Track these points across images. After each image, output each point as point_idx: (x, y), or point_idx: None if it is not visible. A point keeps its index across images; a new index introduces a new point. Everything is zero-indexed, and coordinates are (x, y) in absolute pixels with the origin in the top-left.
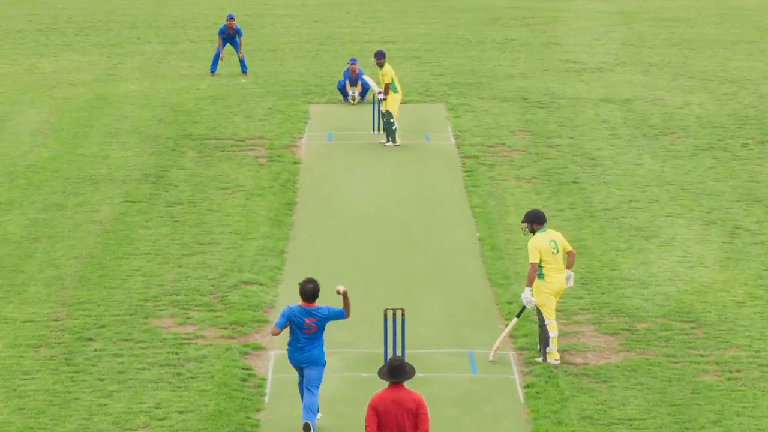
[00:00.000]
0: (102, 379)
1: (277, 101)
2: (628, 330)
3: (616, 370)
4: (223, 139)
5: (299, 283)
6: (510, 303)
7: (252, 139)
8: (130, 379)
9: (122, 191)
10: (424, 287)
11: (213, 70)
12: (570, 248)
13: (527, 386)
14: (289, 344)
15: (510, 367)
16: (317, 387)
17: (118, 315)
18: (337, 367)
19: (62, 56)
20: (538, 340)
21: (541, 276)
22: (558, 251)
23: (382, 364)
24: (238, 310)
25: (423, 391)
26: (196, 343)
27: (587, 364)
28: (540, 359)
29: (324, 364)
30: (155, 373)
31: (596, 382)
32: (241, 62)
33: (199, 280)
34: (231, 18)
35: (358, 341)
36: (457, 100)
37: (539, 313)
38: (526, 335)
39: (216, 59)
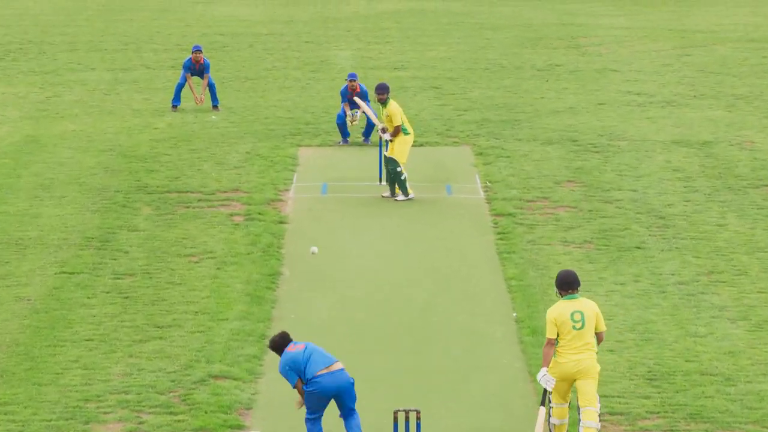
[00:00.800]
0: None
1: (258, 143)
2: None
3: None
4: (187, 192)
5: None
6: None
7: (225, 192)
8: None
9: (57, 259)
10: (445, 385)
11: (175, 104)
12: (603, 328)
13: None
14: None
15: None
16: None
17: (51, 420)
18: None
19: None
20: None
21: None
22: (583, 326)
23: None
24: (206, 413)
25: None
26: None
27: None
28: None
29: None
30: None
31: None
32: (212, 92)
33: (156, 374)
34: (197, 50)
35: None
36: (487, 141)
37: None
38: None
39: (179, 90)
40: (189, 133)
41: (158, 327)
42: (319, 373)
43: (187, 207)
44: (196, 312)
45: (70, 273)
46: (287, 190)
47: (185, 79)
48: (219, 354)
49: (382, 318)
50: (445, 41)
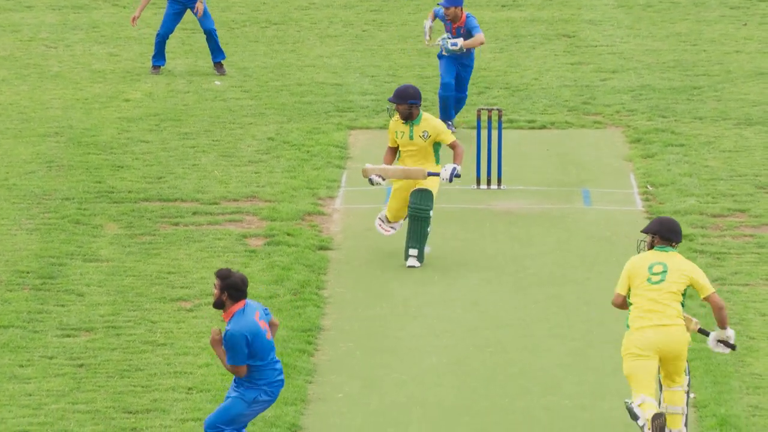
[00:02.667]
0: None
1: (286, 125)
2: None
3: None
4: (176, 200)
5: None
6: None
7: (235, 200)
8: None
9: None
10: None
11: (158, 64)
12: (710, 291)
13: None
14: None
15: None
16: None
17: None
18: None
19: None
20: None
21: (626, 323)
22: (663, 280)
23: None
24: None
25: None
26: None
27: None
28: None
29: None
30: None
31: None
32: (211, 43)
33: None
34: None
35: None
36: (648, 121)
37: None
38: None
39: (162, 44)
40: (179, 109)
41: (130, 412)
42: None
43: (176, 224)
44: (190, 389)
45: None
46: (332, 197)
47: (171, 28)
48: None
49: (471, 402)
50: None
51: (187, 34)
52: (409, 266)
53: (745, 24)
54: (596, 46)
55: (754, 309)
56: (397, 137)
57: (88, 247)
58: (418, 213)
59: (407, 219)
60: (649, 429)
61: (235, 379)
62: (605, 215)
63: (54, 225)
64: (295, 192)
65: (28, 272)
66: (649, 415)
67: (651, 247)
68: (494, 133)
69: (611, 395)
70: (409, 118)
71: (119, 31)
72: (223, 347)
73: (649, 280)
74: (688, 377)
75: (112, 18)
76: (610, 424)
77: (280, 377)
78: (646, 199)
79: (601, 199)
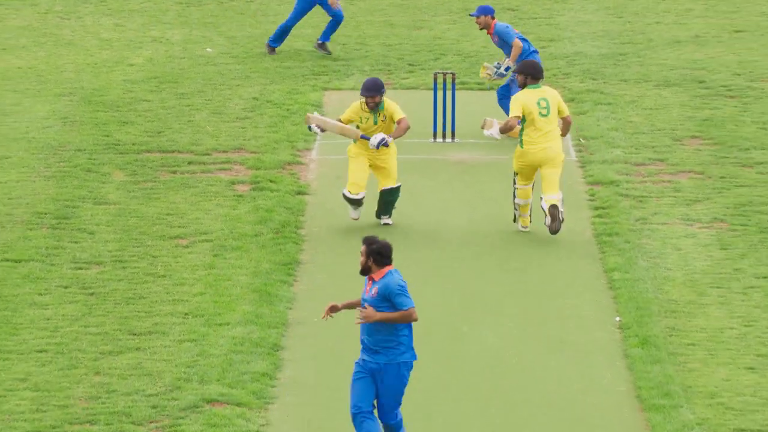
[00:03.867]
0: None
1: (269, 86)
2: None
3: None
4: (174, 151)
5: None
6: None
7: (225, 151)
8: None
9: None
10: (528, 412)
11: (274, 45)
12: (567, 113)
13: None
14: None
15: None
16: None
17: None
18: None
19: None
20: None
21: (520, 142)
22: (548, 113)
23: None
24: None
25: None
26: None
27: None
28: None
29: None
30: None
31: None
32: (336, 23)
33: (132, 398)
34: None
35: None
36: (581, 83)
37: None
38: None
39: (287, 29)
40: (176, 72)
41: (134, 334)
42: None
43: (174, 172)
44: (186, 314)
45: (16, 261)
46: (309, 149)
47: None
48: (217, 371)
49: (433, 325)
50: None
51: (183, 7)
52: (385, 223)
53: None
54: (536, 18)
55: (670, 244)
56: (361, 122)
57: (97, 192)
58: (391, 201)
59: (379, 197)
60: (547, 215)
61: (380, 350)
62: None
63: (68, 173)
64: (276, 144)
65: (45, 213)
66: (547, 204)
67: (524, 85)
68: (448, 94)
69: (552, 319)
70: (376, 107)
71: (124, 5)
72: (382, 312)
73: (540, 113)
74: (561, 193)
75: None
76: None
77: None
78: (579, 150)
79: None
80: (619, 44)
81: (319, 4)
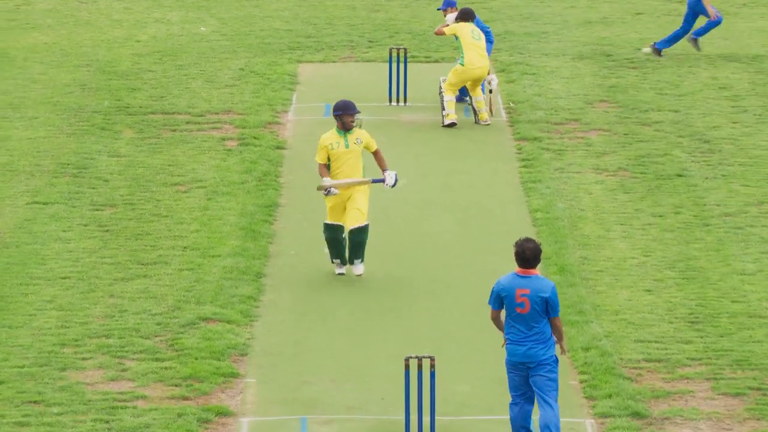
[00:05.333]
0: None
1: (252, 59)
2: (758, 389)
3: None
4: (174, 113)
5: (515, 244)
6: (587, 350)
7: (216, 113)
8: None
9: (29, 188)
10: (462, 328)
11: (659, 47)
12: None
13: None
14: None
15: None
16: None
17: (23, 366)
18: None
19: None
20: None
21: (461, 61)
22: (480, 38)
23: None
24: (196, 359)
25: None
26: (134, 407)
27: None
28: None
29: (555, 362)
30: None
31: None
32: (711, 24)
33: (140, 316)
34: None
35: (366, 404)
36: (510, 57)
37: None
38: (609, 395)
39: (678, 37)
40: (175, 48)
41: (142, 264)
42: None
43: (174, 130)
44: (185, 247)
45: (44, 203)
46: (286, 111)
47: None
48: (210, 294)
49: (394, 257)
50: None
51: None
52: (358, 274)
53: None
54: (473, 3)
55: (583, 189)
56: (332, 149)
57: (110, 147)
58: (360, 243)
59: (348, 242)
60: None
61: (541, 340)
62: (480, 124)
63: (86, 130)
64: (259, 107)
65: (68, 164)
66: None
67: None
68: (401, 66)
69: (484, 252)
70: (350, 128)
71: (137, 1)
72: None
73: (472, 37)
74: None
75: None
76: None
77: None
78: (509, 112)
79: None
80: (541, 24)
81: (700, 13)
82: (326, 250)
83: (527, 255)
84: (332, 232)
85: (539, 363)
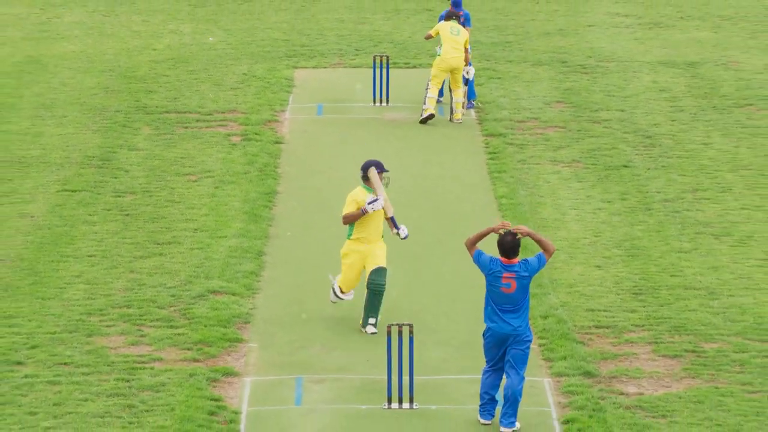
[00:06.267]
0: (34, 413)
1: (254, 65)
2: (693, 351)
3: (678, 401)
4: (185, 112)
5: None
6: (545, 317)
7: (222, 112)
8: (69, 413)
9: (59, 177)
10: (437, 300)
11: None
12: (467, 46)
13: (566, 422)
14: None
15: (544, 398)
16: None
17: (55, 332)
18: (329, 398)
19: None
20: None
21: (437, 53)
22: (459, 33)
23: (384, 393)
24: (205, 327)
25: (436, 424)
26: (152, 368)
27: (642, 394)
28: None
29: (530, 341)
30: (101, 406)
31: (653, 417)
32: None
33: (157, 289)
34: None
35: (354, 365)
36: (478, 63)
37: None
38: (564, 357)
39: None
40: (187, 55)
41: (158, 244)
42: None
43: (186, 127)
44: (195, 229)
45: (72, 191)
46: (283, 111)
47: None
48: (217, 270)
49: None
50: None
51: (192, 7)
52: (371, 333)
53: (537, 2)
54: None
55: (542, 178)
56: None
57: (131, 142)
58: (378, 288)
59: (367, 292)
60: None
61: (523, 325)
62: (452, 122)
63: (109, 127)
64: (260, 107)
65: (93, 157)
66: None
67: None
68: (384, 71)
69: (454, 234)
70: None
71: (149, 6)
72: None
73: (450, 32)
74: (465, 87)
75: (160, 5)
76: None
77: None
78: (477, 112)
79: (450, 111)
80: (505, 35)
81: None
82: (344, 293)
83: (506, 247)
84: (381, 278)
85: (523, 339)
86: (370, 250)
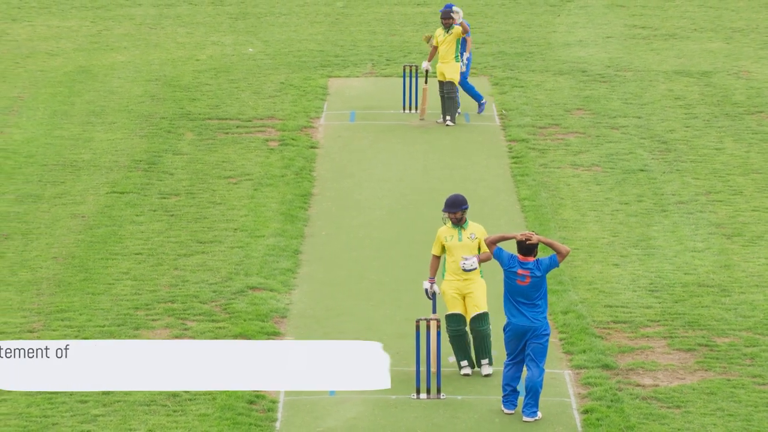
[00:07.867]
0: (84, 401)
1: (291, 75)
2: (706, 345)
3: (691, 393)
4: (226, 119)
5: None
6: (565, 313)
7: (261, 119)
8: (117, 401)
9: (108, 180)
10: None
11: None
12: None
13: (585, 411)
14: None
15: (565, 389)
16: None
17: (104, 326)
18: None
19: (38, 21)
20: None
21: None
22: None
23: (413, 383)
24: (245, 321)
25: (462, 413)
26: None
27: (657, 386)
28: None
29: (549, 335)
30: (147, 395)
31: (668, 407)
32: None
33: (199, 285)
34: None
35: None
36: (503, 73)
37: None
38: (583, 351)
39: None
40: (228, 65)
41: (201, 242)
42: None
43: (227, 133)
44: (236, 229)
45: (121, 192)
46: (318, 117)
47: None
48: (256, 267)
49: (405, 236)
50: None
51: (232, 20)
52: (486, 374)
53: (558, 15)
54: (472, 28)
55: (563, 182)
56: (446, 242)
57: (175, 146)
58: (482, 334)
59: (472, 337)
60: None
61: (541, 319)
62: (478, 127)
63: (155, 133)
64: (296, 114)
65: (140, 160)
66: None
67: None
68: (413, 80)
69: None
70: (459, 222)
71: (193, 19)
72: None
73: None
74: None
75: (188, 11)
76: None
77: None
78: (502, 119)
79: (476, 118)
80: (528, 46)
81: None
82: (452, 359)
83: (524, 248)
84: (454, 323)
85: (541, 333)
86: (471, 290)
